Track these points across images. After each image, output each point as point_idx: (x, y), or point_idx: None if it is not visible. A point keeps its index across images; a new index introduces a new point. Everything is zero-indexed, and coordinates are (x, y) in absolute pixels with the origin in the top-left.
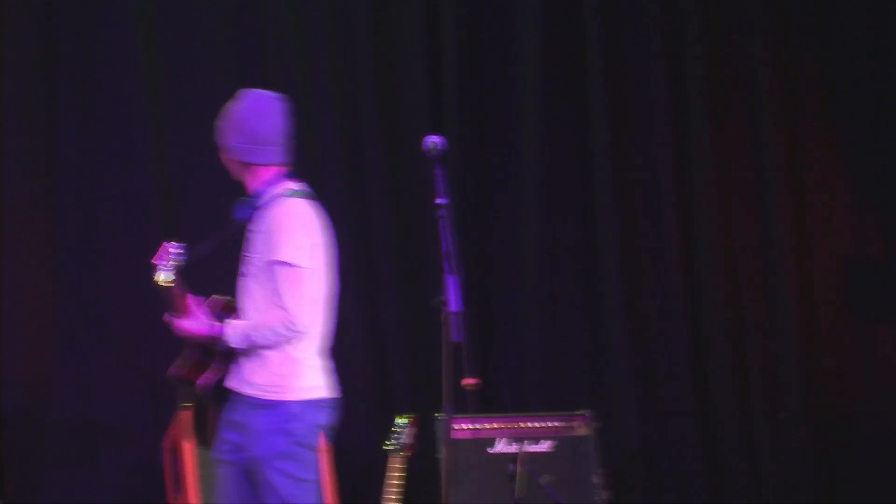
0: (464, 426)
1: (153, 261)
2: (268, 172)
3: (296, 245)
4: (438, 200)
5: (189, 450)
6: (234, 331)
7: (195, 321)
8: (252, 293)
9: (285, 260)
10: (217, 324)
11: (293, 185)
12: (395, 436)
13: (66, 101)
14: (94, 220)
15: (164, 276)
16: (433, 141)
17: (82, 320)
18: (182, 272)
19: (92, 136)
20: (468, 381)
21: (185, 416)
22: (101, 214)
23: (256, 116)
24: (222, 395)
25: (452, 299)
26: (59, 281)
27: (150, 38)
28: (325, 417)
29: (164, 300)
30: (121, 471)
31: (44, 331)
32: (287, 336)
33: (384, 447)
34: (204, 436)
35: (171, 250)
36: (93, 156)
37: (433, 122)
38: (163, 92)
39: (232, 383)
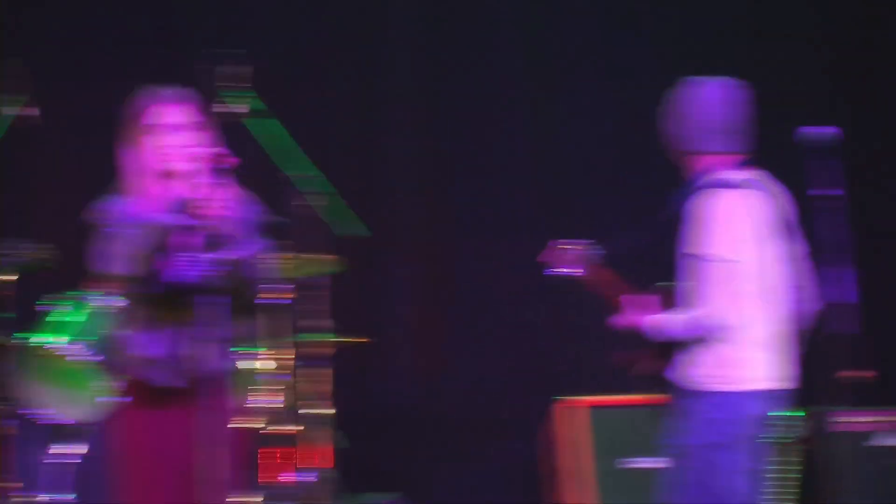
0: (843, 419)
1: (542, 258)
2: (712, 161)
3: (718, 238)
4: (821, 191)
5: (574, 445)
6: (669, 322)
7: (634, 312)
8: (686, 285)
9: (707, 253)
10: (654, 315)
11: (732, 175)
12: (790, 429)
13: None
14: (481, 216)
15: (566, 272)
16: (819, 132)
17: (468, 316)
18: (604, 266)
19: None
20: (855, 373)
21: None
22: (487, 210)
23: (709, 105)
24: (661, 386)
25: (839, 290)
26: (451, 280)
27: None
28: (763, 408)
29: (590, 294)
30: (506, 466)
31: (431, 327)
32: (713, 329)
33: (780, 439)
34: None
35: (570, 247)
36: (482, 153)
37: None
38: (542, 89)
39: (670, 373)
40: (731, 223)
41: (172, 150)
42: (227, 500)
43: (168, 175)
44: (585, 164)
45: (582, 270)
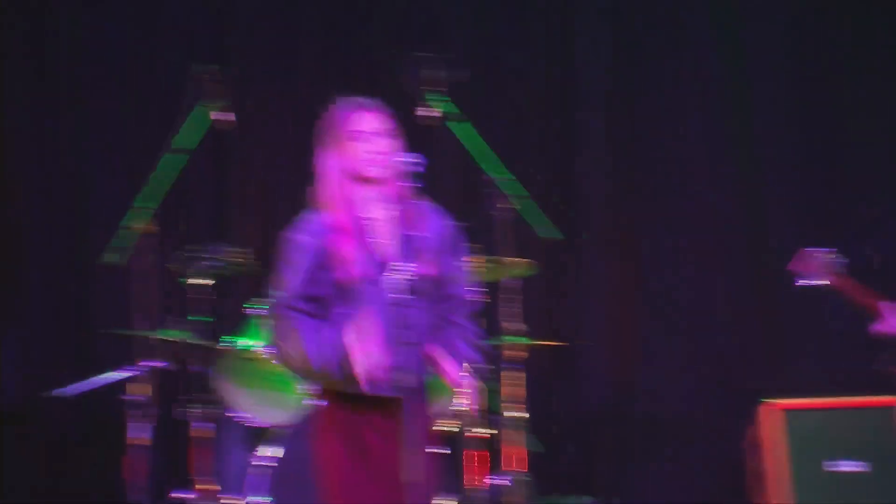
0: None
1: (791, 267)
2: None
3: None
4: None
5: (772, 448)
6: None
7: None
8: None
9: None
10: None
11: None
12: None
13: (648, 105)
14: (674, 216)
15: (816, 282)
16: None
17: (661, 318)
18: (848, 274)
19: (674, 138)
20: None
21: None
22: (682, 210)
23: None
24: None
25: None
26: (643, 283)
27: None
28: None
29: (843, 303)
30: (702, 468)
31: (625, 330)
32: None
33: None
34: None
35: (819, 256)
36: (675, 158)
37: None
38: (742, 90)
39: None
40: None
41: (371, 157)
42: None
43: (366, 181)
44: (775, 165)
45: (831, 279)
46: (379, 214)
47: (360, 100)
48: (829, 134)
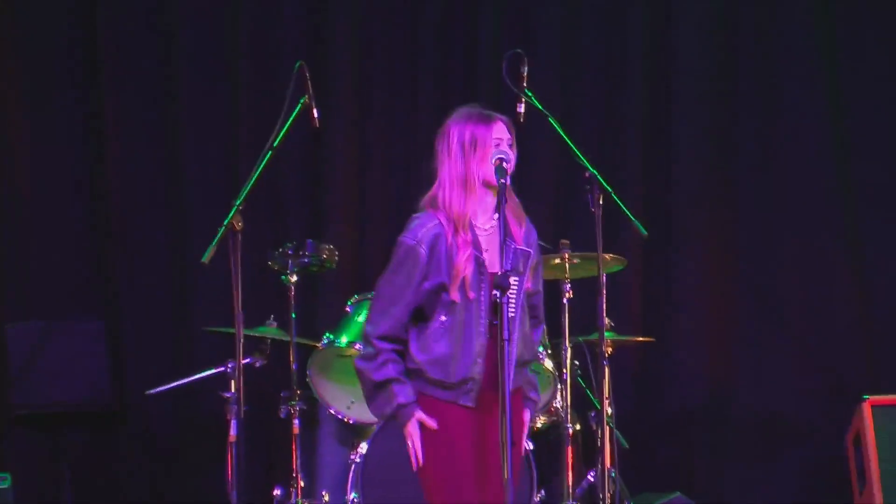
0: None
1: None
2: None
3: None
4: None
5: (873, 444)
6: None
7: None
8: None
9: None
10: None
11: None
12: None
13: (744, 100)
14: (769, 213)
15: None
16: None
17: (761, 316)
18: None
19: (770, 133)
20: None
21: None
22: (775, 207)
23: None
24: None
25: None
26: (740, 279)
27: (830, 44)
28: None
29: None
30: (802, 467)
31: (724, 327)
32: None
33: None
34: None
35: None
36: (772, 153)
37: None
38: (842, 95)
39: None
40: None
41: (504, 165)
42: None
43: (492, 189)
44: (873, 157)
45: None
46: (488, 223)
47: (491, 112)
48: None
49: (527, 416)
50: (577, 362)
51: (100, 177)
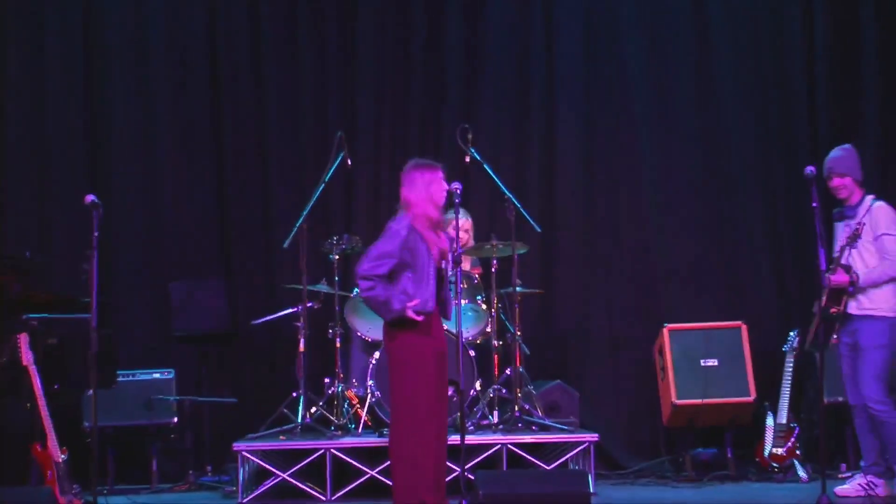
0: None
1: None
2: None
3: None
4: None
5: (669, 352)
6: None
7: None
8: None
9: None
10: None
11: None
12: None
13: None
14: (621, 209)
15: None
16: None
17: (608, 277)
18: None
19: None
20: None
21: None
22: (633, 204)
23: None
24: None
25: None
26: (597, 252)
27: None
28: None
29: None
30: (630, 363)
31: (587, 283)
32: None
33: None
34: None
35: None
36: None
37: None
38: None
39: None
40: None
41: (444, 194)
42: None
43: (438, 207)
44: None
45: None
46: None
47: (436, 163)
48: None
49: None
50: (500, 305)
51: (222, 182)
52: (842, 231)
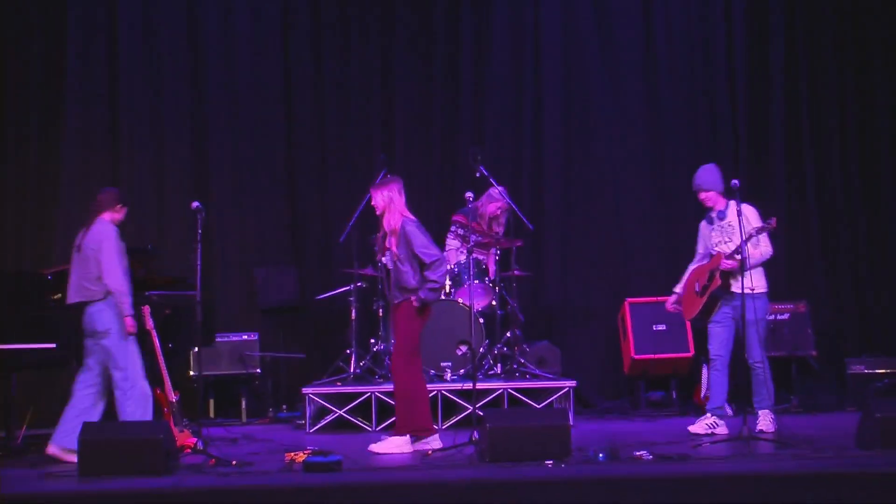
0: None
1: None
2: None
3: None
4: None
5: (629, 321)
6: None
7: None
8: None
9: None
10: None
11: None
12: None
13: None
14: (594, 204)
15: None
16: None
17: (585, 261)
18: None
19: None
20: None
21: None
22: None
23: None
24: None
25: None
26: (575, 243)
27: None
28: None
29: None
30: (599, 330)
31: (565, 265)
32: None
33: None
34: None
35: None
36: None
37: None
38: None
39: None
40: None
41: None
42: None
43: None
44: None
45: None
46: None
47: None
48: None
49: (407, 307)
50: (502, 284)
51: (293, 191)
52: (712, 231)
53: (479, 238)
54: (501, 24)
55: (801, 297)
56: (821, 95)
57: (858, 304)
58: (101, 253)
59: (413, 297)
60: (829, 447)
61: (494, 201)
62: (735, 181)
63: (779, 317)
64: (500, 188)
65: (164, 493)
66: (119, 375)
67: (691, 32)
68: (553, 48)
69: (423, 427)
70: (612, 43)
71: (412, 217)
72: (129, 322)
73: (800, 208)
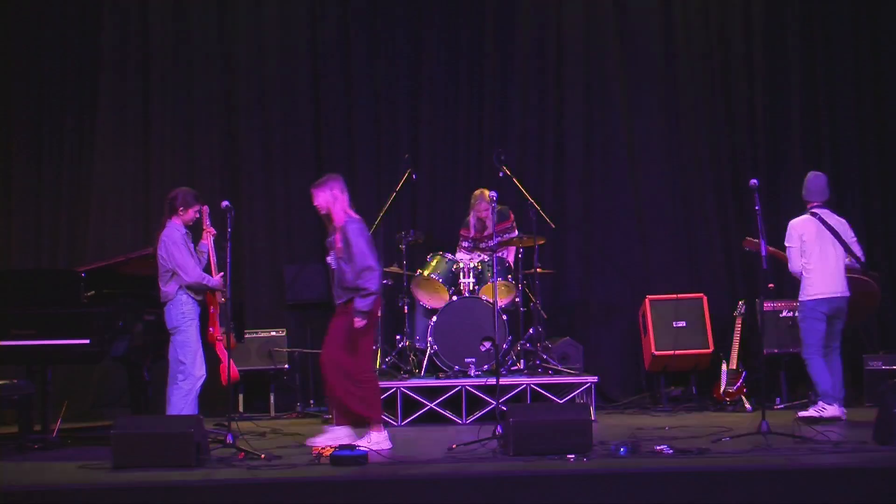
0: None
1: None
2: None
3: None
4: None
5: (650, 316)
6: None
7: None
8: None
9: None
10: None
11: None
12: None
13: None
14: (613, 205)
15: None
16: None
17: (606, 263)
18: None
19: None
20: None
21: None
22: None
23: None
24: None
25: None
26: (596, 242)
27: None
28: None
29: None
30: (623, 325)
31: (587, 263)
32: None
33: None
34: None
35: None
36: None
37: None
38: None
39: None
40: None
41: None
42: None
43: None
44: None
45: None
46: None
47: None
48: None
49: (353, 312)
50: (525, 281)
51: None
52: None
53: (484, 244)
54: (525, 21)
55: None
56: (838, 103)
57: None
58: (170, 258)
59: (355, 319)
60: (848, 442)
61: (481, 202)
62: (754, 180)
63: (798, 314)
64: (492, 192)
65: (194, 485)
66: (177, 368)
67: (709, 24)
68: (575, 45)
69: (375, 419)
70: (632, 44)
71: (356, 216)
72: (217, 280)
73: None
